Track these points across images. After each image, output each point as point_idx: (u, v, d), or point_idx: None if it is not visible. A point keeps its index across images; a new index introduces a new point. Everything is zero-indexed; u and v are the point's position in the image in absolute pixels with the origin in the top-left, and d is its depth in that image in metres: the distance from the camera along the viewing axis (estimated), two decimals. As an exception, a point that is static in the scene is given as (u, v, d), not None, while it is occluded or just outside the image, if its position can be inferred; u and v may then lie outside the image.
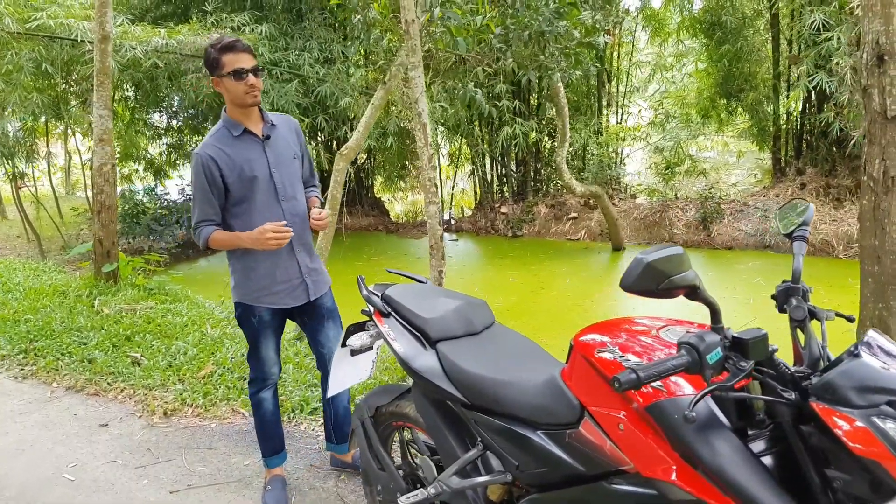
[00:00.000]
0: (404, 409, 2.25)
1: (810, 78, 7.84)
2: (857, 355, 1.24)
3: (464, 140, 14.42)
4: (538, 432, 1.69)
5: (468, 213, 15.55)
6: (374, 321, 2.24)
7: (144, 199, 13.20)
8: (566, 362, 1.75)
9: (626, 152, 14.86)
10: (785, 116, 12.41)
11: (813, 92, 9.77)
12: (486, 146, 13.53)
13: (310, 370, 4.29)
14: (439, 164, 14.18)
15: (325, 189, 4.99)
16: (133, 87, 12.50)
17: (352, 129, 8.38)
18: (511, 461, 1.77)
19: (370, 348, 2.36)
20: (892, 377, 1.19)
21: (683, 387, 1.43)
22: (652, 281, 1.26)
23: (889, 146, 2.91)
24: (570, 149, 11.95)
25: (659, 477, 1.40)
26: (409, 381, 2.25)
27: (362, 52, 11.99)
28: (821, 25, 7.55)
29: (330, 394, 2.47)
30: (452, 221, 14.94)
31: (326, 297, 2.83)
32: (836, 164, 11.01)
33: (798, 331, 1.46)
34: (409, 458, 2.38)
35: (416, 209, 17.35)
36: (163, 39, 9.72)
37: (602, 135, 13.65)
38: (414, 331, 2.08)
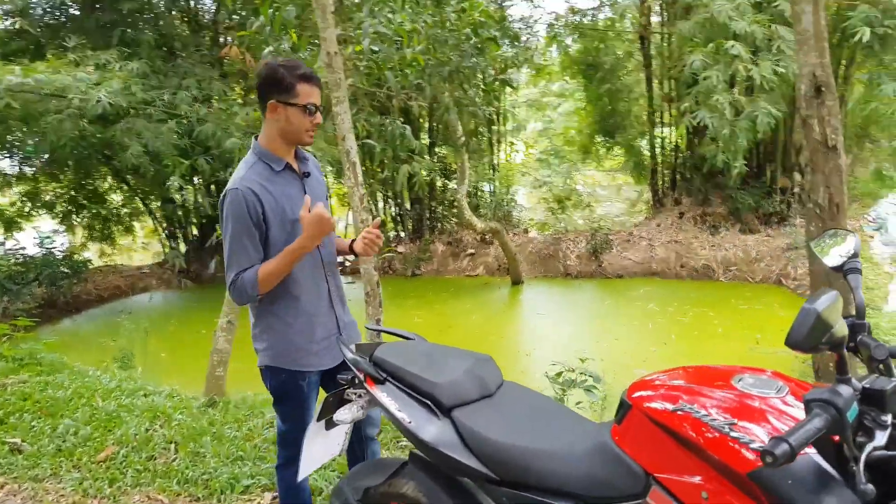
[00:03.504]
0: (401, 489, 1.92)
1: (693, 114, 8.36)
2: None
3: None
4: None
5: (362, 254, 15.16)
6: (364, 388, 1.92)
7: (-9, 256, 11.68)
8: (618, 422, 1.53)
9: (515, 188, 15.22)
10: (660, 151, 13.25)
11: (687, 128, 10.51)
12: (379, 185, 13.30)
13: (231, 441, 3.78)
14: (330, 206, 13.72)
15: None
16: (-25, 131, 11.16)
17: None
18: None
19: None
20: None
21: None
22: (821, 334, 1.08)
23: (832, 174, 3.01)
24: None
25: None
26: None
27: (240, 90, 11.51)
28: (700, 65, 8.14)
29: (302, 476, 2.08)
30: (347, 264, 14.47)
31: None
32: (709, 194, 11.86)
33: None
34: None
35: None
36: (17, 77, 8.80)
37: (497, 171, 13.89)
38: (420, 397, 1.79)
